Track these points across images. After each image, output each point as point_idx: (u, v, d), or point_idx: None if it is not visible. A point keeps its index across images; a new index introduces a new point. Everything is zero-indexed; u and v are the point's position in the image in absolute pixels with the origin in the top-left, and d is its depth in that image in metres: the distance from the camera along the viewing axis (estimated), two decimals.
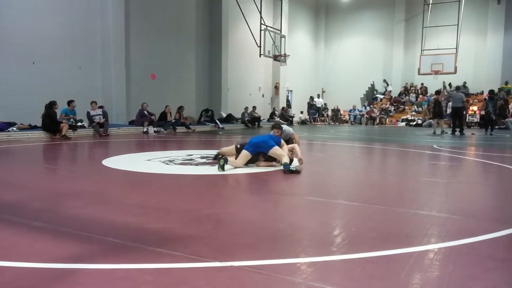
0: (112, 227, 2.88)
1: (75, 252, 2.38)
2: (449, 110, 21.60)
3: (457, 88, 16.37)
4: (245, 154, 5.69)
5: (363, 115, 24.62)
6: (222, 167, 5.39)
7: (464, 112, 16.62)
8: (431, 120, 21.30)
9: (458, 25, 21.01)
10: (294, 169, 5.32)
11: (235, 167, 5.64)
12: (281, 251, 2.44)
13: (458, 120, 14.79)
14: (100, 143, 9.86)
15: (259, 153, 5.80)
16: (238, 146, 6.02)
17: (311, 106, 24.98)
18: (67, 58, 12.73)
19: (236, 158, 5.81)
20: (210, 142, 10.78)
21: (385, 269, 2.19)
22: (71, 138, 10.60)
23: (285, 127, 7.10)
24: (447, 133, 15.01)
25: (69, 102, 11.59)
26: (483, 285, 2.03)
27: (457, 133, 14.40)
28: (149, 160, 6.63)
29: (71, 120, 11.42)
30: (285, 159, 5.49)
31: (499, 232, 2.87)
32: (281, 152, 5.65)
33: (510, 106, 20.58)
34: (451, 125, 15.20)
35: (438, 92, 16.01)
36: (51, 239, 2.62)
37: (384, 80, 26.66)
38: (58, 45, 12.46)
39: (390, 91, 26.20)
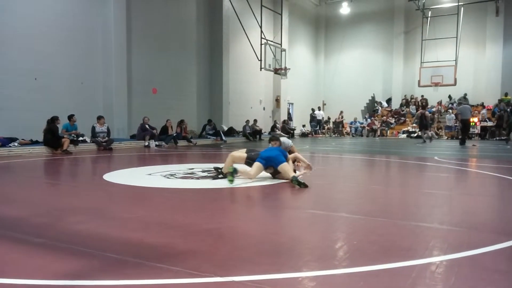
0: (112, 243, 2.87)
1: (75, 268, 2.37)
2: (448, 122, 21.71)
3: (464, 98, 16.64)
4: (258, 166, 5.67)
5: (364, 127, 24.66)
6: (231, 180, 5.37)
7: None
8: (432, 132, 21.35)
9: (457, 37, 21.19)
10: (303, 182, 5.30)
11: (249, 178, 5.63)
12: (282, 266, 2.42)
13: (465, 131, 15.41)
14: (102, 157, 9.88)
15: (269, 166, 5.87)
16: (251, 154, 6.02)
17: (312, 118, 25.04)
18: (69, 73, 12.83)
19: (244, 163, 5.94)
20: (211, 155, 10.79)
21: (387, 283, 2.17)
22: (73, 153, 10.62)
23: (284, 139, 7.11)
24: (431, 140, 17.51)
25: (70, 117, 11.65)
26: None
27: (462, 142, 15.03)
28: (150, 174, 6.63)
29: (73, 135, 11.47)
30: (292, 174, 5.55)
31: (501, 244, 2.85)
32: (289, 168, 5.75)
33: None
34: (459, 137, 16.55)
35: (424, 107, 18.78)
36: (51, 255, 2.61)
37: (378, 102, 26.73)
38: (60, 61, 12.57)
39: (385, 107, 26.25)
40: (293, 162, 6.22)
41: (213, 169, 6.53)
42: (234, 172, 5.38)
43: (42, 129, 10.80)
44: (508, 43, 23.12)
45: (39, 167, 8.23)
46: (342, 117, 25.30)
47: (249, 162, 5.95)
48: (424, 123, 17.44)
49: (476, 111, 22.09)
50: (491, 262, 2.53)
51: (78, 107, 12.76)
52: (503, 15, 23.04)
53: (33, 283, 2.16)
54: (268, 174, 5.98)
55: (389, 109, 26.05)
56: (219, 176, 6.00)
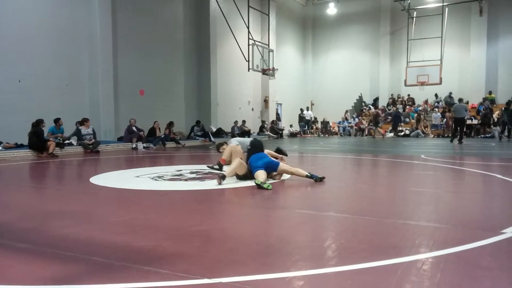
0: (99, 247, 2.84)
1: (61, 273, 2.35)
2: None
3: (460, 100, 17.10)
4: (263, 172, 5.60)
5: (352, 126, 24.82)
6: (266, 184, 5.28)
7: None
8: (418, 131, 21.64)
9: (442, 37, 21.48)
10: (321, 177, 5.69)
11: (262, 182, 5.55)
12: (271, 266, 2.43)
13: (460, 129, 15.71)
14: (88, 160, 9.78)
15: (269, 172, 5.92)
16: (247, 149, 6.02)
17: (301, 118, 25.13)
18: (53, 76, 12.68)
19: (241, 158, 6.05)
20: (200, 157, 10.76)
21: (375, 281, 2.19)
22: (59, 156, 10.49)
23: (241, 139, 7.03)
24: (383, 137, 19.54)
25: (56, 121, 11.51)
26: None
27: (456, 141, 15.39)
28: (138, 176, 6.58)
29: (59, 138, 11.33)
30: (301, 172, 5.80)
31: (486, 240, 2.89)
32: (287, 166, 5.93)
33: (494, 115, 20.92)
34: (450, 135, 17.41)
35: (376, 107, 21.06)
36: (36, 260, 2.57)
37: (367, 105, 27.03)
38: (44, 63, 12.42)
39: (370, 108, 26.54)
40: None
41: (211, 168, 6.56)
42: (261, 183, 5.21)
43: (27, 132, 10.65)
44: (491, 43, 23.52)
45: (24, 170, 8.11)
46: (346, 117, 25.54)
47: (240, 176, 5.91)
48: (377, 120, 20.40)
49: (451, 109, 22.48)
50: (476, 258, 2.57)
51: (64, 109, 12.62)
52: (486, 15, 23.43)
53: None
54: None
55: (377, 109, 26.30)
56: (214, 167, 5.95)
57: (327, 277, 2.29)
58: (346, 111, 26.31)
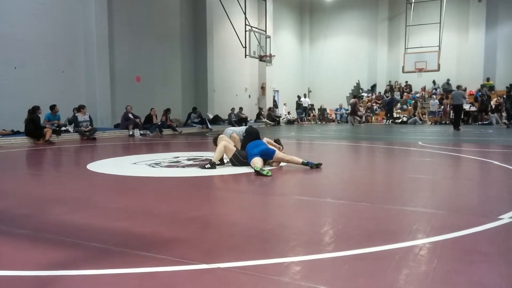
0: (97, 232, 2.84)
1: (59, 259, 2.35)
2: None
3: (458, 87, 17.16)
4: (260, 159, 5.64)
5: (349, 114, 24.78)
6: (266, 170, 5.29)
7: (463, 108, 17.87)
8: (415, 118, 21.69)
9: (440, 23, 21.32)
10: (316, 163, 5.72)
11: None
12: (268, 251, 2.44)
13: (457, 116, 15.77)
14: (85, 147, 9.75)
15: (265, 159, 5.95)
16: (240, 153, 5.98)
17: (298, 106, 25.06)
18: (49, 62, 12.55)
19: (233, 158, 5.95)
20: (197, 144, 10.74)
21: (372, 266, 2.20)
22: (55, 143, 10.45)
23: (234, 128, 6.94)
24: (361, 125, 20.63)
25: (52, 107, 11.44)
26: (467, 279, 2.06)
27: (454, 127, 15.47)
28: (135, 163, 6.57)
29: (55, 125, 11.27)
30: (297, 159, 5.84)
31: (482, 226, 2.91)
32: (283, 154, 6.00)
33: (492, 102, 20.93)
34: (447, 122, 18.14)
35: (355, 96, 22.33)
36: (35, 246, 2.57)
37: (362, 90, 27.01)
38: (40, 49, 12.29)
39: (362, 96, 26.52)
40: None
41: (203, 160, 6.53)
42: (260, 170, 5.26)
43: (24, 119, 10.59)
44: (490, 29, 23.39)
45: (21, 157, 8.08)
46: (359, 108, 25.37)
47: (240, 160, 5.89)
48: (355, 110, 21.30)
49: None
50: (472, 243, 2.59)
51: (60, 96, 12.53)
52: (485, 1, 23.25)
53: (18, 274, 2.13)
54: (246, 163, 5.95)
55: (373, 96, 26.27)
56: (206, 166, 5.95)
57: (324, 263, 2.30)
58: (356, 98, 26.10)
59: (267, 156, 5.88)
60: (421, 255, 2.39)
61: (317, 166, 5.72)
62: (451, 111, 20.90)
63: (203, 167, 5.71)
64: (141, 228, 2.94)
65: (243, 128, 6.85)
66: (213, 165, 5.67)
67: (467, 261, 2.28)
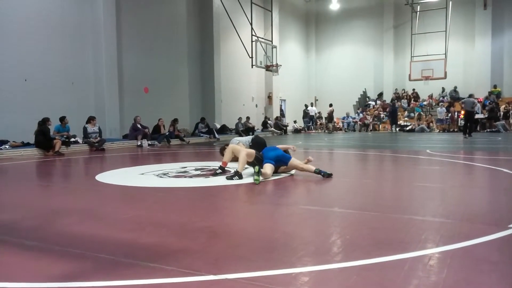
0: (105, 244, 2.85)
1: (68, 270, 2.36)
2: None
3: (470, 95, 17.18)
4: (272, 167, 5.73)
5: (356, 122, 24.74)
6: (257, 180, 5.33)
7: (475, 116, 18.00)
8: (423, 125, 21.60)
9: (446, 31, 21.31)
10: (329, 173, 5.73)
11: (266, 178, 5.63)
12: (276, 262, 2.43)
13: (469, 123, 15.77)
14: (94, 158, 9.82)
15: (279, 166, 6.00)
16: (258, 154, 5.98)
17: (306, 114, 25.07)
18: (59, 74, 12.72)
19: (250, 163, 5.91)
20: (204, 153, 10.77)
21: (380, 276, 2.19)
22: (65, 154, 10.54)
23: (241, 138, 7.00)
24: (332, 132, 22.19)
25: (61, 119, 11.56)
26: None
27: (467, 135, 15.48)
28: (142, 174, 6.60)
29: (64, 136, 11.39)
30: (311, 167, 5.84)
31: (492, 235, 2.88)
32: (298, 162, 5.98)
33: (501, 108, 20.78)
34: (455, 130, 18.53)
35: (331, 105, 23.42)
36: (44, 258, 2.59)
37: (369, 99, 27.07)
38: (50, 61, 12.46)
39: (369, 104, 26.58)
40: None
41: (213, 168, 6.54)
42: (259, 172, 5.39)
43: (34, 131, 10.71)
44: (496, 36, 23.32)
45: (31, 169, 8.16)
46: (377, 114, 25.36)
47: (253, 162, 5.89)
48: (331, 117, 23.12)
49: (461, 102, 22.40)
50: (482, 253, 2.56)
51: (69, 107, 12.67)
52: (491, 8, 23.22)
53: (27, 286, 2.15)
54: (251, 170, 5.96)
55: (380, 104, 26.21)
56: (218, 172, 5.96)
57: (332, 273, 2.28)
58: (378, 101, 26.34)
59: (283, 163, 5.91)
60: (431, 265, 2.36)
61: (329, 175, 5.72)
62: (459, 119, 20.91)
63: (230, 178, 5.58)
64: (149, 239, 2.95)
65: (249, 138, 6.87)
66: (240, 176, 5.59)
67: (478, 271, 2.26)
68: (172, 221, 3.54)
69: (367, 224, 3.31)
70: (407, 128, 22.23)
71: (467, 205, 4.10)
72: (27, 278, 2.26)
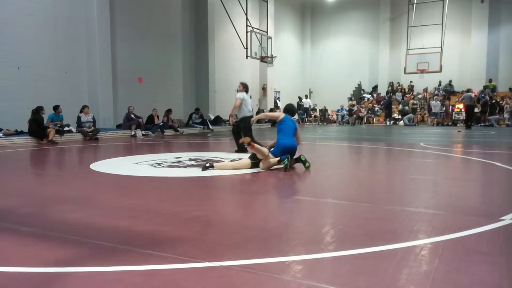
0: (101, 231, 2.87)
1: (65, 256, 2.37)
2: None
3: (468, 90, 17.41)
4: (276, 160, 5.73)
5: (344, 114, 24.80)
6: (286, 167, 5.49)
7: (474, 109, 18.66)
8: (410, 114, 21.80)
9: (442, 24, 21.33)
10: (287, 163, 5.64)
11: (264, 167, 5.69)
12: (270, 250, 2.46)
13: (467, 116, 16.60)
14: (88, 147, 9.79)
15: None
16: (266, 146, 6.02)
17: (299, 106, 25.05)
18: (52, 63, 12.61)
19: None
20: (198, 144, 10.77)
21: (373, 266, 2.22)
22: (58, 143, 10.49)
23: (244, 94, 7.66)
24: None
25: (55, 108, 11.48)
26: (468, 278, 2.07)
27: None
28: (137, 163, 6.60)
29: (58, 125, 11.32)
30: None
31: (483, 227, 2.92)
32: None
33: (503, 104, 20.90)
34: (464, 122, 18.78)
35: (300, 99, 24.39)
36: (41, 244, 2.60)
37: (363, 91, 27.18)
38: (43, 50, 12.34)
39: (363, 97, 26.70)
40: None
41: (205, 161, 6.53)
42: (288, 160, 5.50)
43: (27, 119, 10.64)
44: (492, 30, 23.36)
45: (25, 157, 8.12)
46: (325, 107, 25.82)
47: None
48: (308, 112, 24.93)
49: (461, 98, 22.52)
50: (473, 244, 2.60)
51: (63, 96, 12.59)
52: (488, 2, 23.22)
53: (23, 270, 2.16)
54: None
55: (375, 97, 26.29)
56: (207, 165, 5.97)
57: (325, 262, 2.32)
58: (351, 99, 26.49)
59: (292, 153, 5.84)
60: (422, 255, 2.40)
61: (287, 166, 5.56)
62: (453, 112, 21.09)
63: (205, 169, 5.64)
64: (144, 227, 2.96)
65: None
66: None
67: (468, 261, 2.30)
68: (167, 209, 3.56)
69: (360, 215, 3.35)
70: (401, 122, 22.35)
71: (459, 198, 4.15)
72: (24, 263, 2.27)
